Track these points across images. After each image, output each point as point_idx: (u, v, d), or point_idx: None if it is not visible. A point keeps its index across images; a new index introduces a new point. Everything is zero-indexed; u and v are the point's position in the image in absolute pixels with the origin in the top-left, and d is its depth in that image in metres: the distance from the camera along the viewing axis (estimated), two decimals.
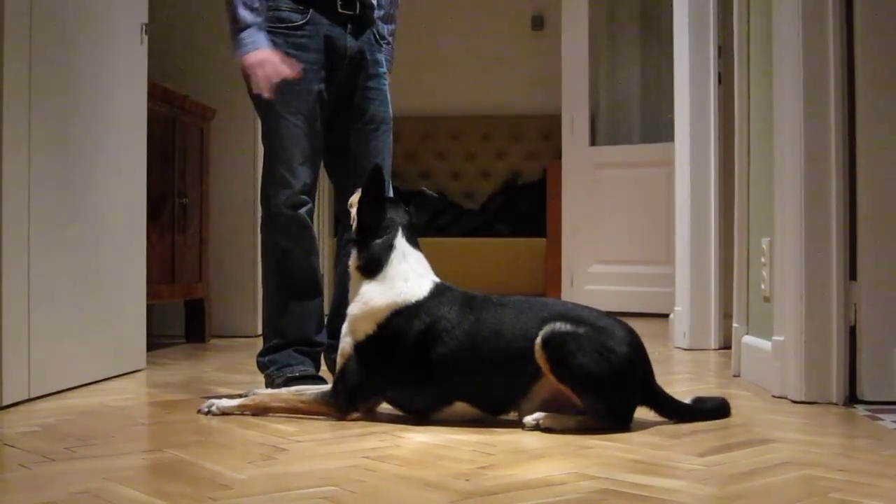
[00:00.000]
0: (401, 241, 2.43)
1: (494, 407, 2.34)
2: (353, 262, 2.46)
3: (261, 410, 2.44)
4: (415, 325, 2.33)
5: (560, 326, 2.23)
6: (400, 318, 2.34)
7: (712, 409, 2.40)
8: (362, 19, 2.88)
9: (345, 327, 2.44)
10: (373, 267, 2.40)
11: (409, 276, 2.40)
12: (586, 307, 2.41)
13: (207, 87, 4.62)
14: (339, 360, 2.42)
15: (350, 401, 2.38)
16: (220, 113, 4.64)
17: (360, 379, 2.37)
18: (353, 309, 2.42)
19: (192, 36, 4.74)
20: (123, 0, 3.36)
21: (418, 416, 2.37)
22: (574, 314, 2.29)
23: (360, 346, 2.37)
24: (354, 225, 2.47)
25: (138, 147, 3.48)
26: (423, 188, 2.55)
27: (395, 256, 2.41)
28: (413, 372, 2.33)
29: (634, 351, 2.26)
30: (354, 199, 2.52)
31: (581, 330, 2.22)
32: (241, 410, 2.44)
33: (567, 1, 6.41)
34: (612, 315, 2.37)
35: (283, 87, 2.78)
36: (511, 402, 2.31)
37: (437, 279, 2.43)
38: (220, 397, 2.53)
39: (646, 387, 2.30)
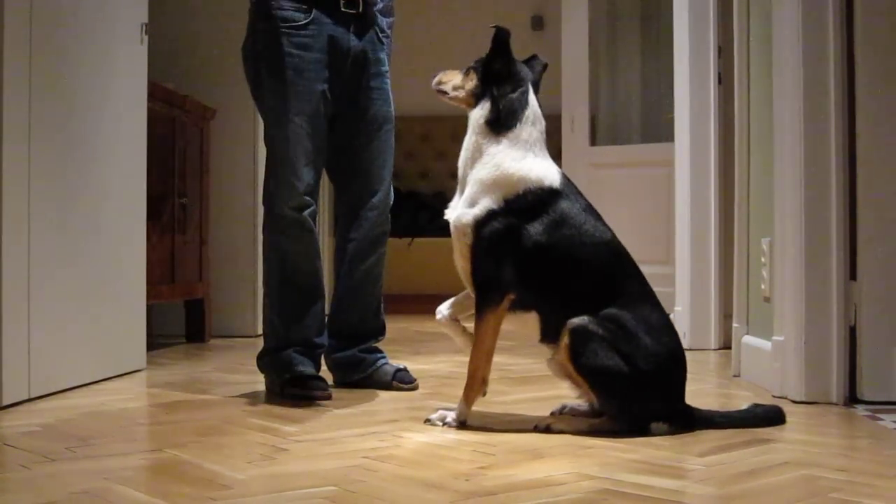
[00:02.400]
0: (533, 100, 2.32)
1: (552, 330, 2.24)
2: (480, 113, 2.31)
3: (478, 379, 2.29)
4: (542, 215, 2.22)
5: (590, 325, 2.18)
6: (528, 199, 2.23)
7: (752, 418, 2.31)
8: (365, 18, 2.88)
9: (469, 192, 2.29)
10: (506, 121, 2.27)
11: (538, 148, 2.29)
12: (653, 309, 2.26)
13: (207, 87, 4.62)
14: (464, 246, 2.27)
15: (498, 287, 2.23)
16: (220, 113, 4.64)
17: (494, 264, 2.23)
18: (482, 172, 2.27)
19: (192, 36, 4.75)
20: (123, 0, 3.36)
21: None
22: (617, 314, 2.20)
23: (479, 223, 2.24)
24: (473, 84, 2.34)
25: (138, 147, 3.48)
26: (536, 54, 2.42)
27: (528, 116, 2.29)
28: (514, 262, 2.22)
29: (662, 368, 2.20)
30: (445, 77, 2.41)
31: (608, 333, 2.17)
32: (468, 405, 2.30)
33: (567, 1, 6.41)
34: (666, 327, 2.27)
35: (286, 87, 2.77)
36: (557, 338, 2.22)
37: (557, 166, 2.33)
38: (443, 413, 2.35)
39: (673, 404, 2.24)
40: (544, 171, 2.28)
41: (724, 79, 4.11)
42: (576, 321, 2.19)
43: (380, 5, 2.96)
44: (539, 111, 2.33)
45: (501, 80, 2.31)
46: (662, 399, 2.23)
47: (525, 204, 2.24)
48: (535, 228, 2.23)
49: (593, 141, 6.43)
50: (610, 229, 2.32)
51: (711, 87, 4.23)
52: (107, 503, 1.61)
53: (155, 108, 3.82)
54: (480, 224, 2.25)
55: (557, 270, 2.25)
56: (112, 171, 3.25)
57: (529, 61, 2.40)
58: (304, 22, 2.79)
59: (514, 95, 2.30)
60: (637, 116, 6.63)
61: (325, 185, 5.07)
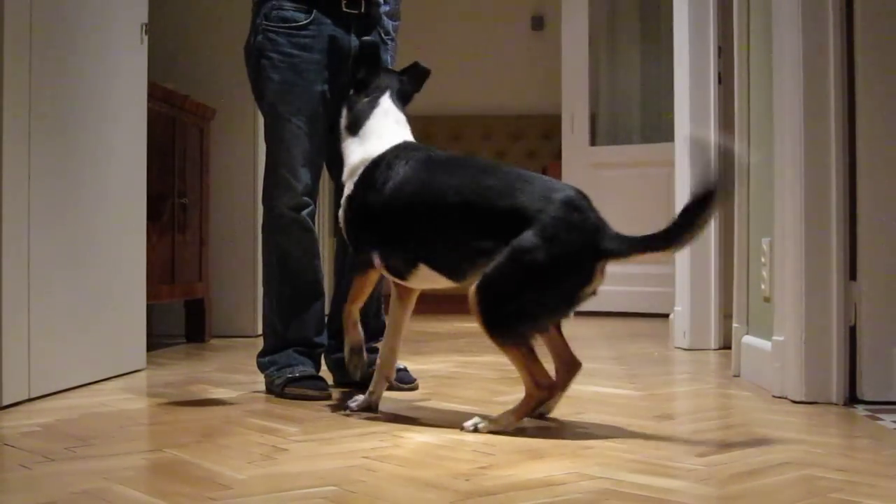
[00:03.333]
0: (385, 101, 2.49)
1: (452, 272, 2.27)
2: (342, 120, 2.54)
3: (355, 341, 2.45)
4: (377, 178, 2.37)
5: (479, 288, 2.14)
6: (367, 174, 2.40)
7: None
8: (367, 18, 2.88)
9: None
10: (355, 123, 2.49)
11: (384, 132, 2.45)
12: (536, 189, 2.27)
13: (207, 87, 4.62)
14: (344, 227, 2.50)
15: (365, 256, 2.39)
16: (220, 113, 4.64)
17: (356, 235, 2.43)
18: (345, 175, 2.50)
19: (192, 36, 4.75)
20: (123, 0, 3.36)
21: (400, 279, 2.40)
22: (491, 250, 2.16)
23: (346, 213, 2.46)
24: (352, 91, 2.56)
25: (138, 147, 3.48)
26: (418, 61, 2.60)
27: (377, 114, 2.47)
28: (381, 230, 2.36)
29: (557, 251, 2.21)
30: None
31: (505, 266, 2.12)
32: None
33: (567, 1, 6.42)
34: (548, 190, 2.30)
35: (286, 87, 2.78)
36: (467, 271, 2.23)
37: (409, 137, 2.47)
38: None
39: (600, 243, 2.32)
40: (378, 145, 2.43)
41: (724, 78, 4.11)
42: (473, 298, 2.16)
43: (386, 7, 2.96)
44: (393, 107, 2.49)
45: (360, 90, 2.52)
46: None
47: (366, 179, 2.40)
48: (375, 195, 2.36)
49: (593, 141, 6.44)
50: (466, 174, 2.29)
51: (711, 86, 4.23)
52: (107, 503, 1.61)
53: (155, 108, 3.82)
54: (346, 212, 2.46)
55: (410, 222, 2.32)
56: (112, 171, 3.25)
57: (408, 69, 2.57)
58: (305, 22, 2.79)
59: (366, 101, 2.49)
60: (637, 116, 6.64)
61: (326, 185, 5.07)
